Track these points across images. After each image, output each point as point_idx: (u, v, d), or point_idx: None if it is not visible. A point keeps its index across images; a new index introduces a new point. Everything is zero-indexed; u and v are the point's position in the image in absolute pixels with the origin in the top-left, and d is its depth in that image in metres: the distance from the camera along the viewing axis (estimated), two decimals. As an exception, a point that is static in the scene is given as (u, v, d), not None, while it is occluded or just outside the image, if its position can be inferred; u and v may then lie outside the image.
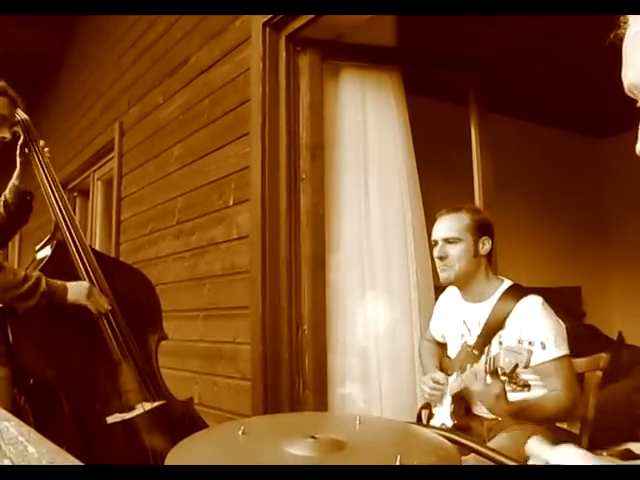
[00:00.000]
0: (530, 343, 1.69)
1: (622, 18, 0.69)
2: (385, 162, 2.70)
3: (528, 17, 2.87)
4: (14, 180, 2.20)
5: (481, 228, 1.98)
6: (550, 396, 1.78)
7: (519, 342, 1.64)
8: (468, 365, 1.76)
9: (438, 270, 2.02)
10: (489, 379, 1.61)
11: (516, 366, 1.53)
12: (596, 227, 5.70)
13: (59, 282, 1.96)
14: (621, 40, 0.70)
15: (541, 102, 4.92)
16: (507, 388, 1.67)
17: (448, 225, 1.98)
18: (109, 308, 2.03)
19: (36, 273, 1.92)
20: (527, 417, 1.73)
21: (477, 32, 3.44)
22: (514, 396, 1.77)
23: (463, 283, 1.99)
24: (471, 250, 1.95)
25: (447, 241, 1.96)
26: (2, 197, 2.22)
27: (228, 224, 2.81)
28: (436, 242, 1.99)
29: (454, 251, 1.94)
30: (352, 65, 2.70)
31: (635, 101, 0.70)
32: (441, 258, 1.97)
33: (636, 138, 0.68)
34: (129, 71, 4.09)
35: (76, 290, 1.97)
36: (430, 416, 2.07)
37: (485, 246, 1.97)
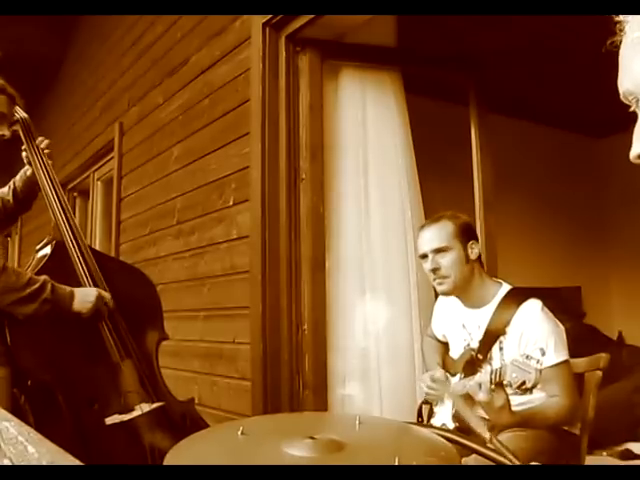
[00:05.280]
0: (538, 362, 1.65)
1: (618, 25, 0.69)
2: (385, 162, 2.70)
3: (528, 17, 2.87)
4: (27, 169, 2.19)
5: (466, 232, 1.96)
6: (550, 403, 1.78)
7: (527, 357, 1.61)
8: (470, 378, 1.76)
9: (433, 284, 1.98)
10: (493, 390, 1.60)
11: (523, 383, 1.52)
12: (596, 227, 5.70)
13: (67, 289, 1.90)
14: (617, 47, 0.70)
15: (541, 102, 4.92)
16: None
17: (434, 235, 1.94)
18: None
19: (42, 277, 1.87)
20: (530, 426, 1.73)
21: (477, 32, 3.44)
22: (513, 399, 1.77)
23: (461, 292, 1.97)
24: (462, 257, 1.92)
25: (437, 251, 1.92)
26: (11, 184, 2.22)
27: (228, 224, 2.81)
28: (425, 255, 1.95)
29: (446, 260, 1.91)
30: (352, 65, 2.70)
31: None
32: (434, 270, 1.92)
33: (631, 143, 0.68)
34: (129, 71, 4.09)
35: (82, 299, 1.92)
36: (431, 412, 2.07)
37: (474, 250, 1.95)
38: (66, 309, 1.88)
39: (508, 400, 1.61)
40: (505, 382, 1.57)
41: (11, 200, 2.20)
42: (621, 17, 0.68)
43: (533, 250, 5.22)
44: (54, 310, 1.85)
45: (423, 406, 2.09)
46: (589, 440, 1.91)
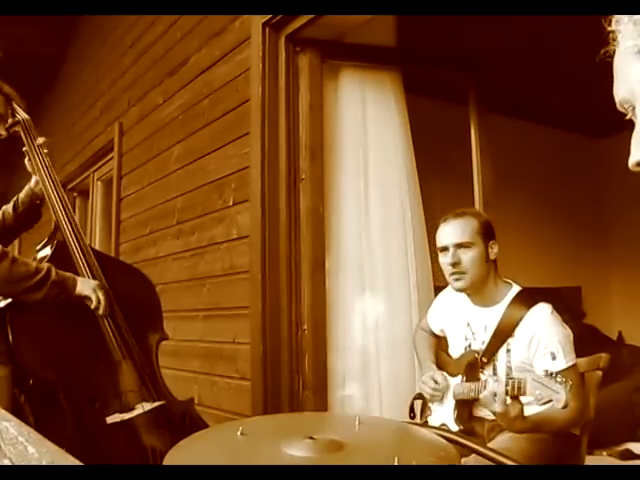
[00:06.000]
0: (566, 383, 1.53)
1: (611, 35, 0.69)
2: (385, 162, 2.70)
3: (528, 17, 2.87)
4: (31, 184, 2.21)
5: (488, 231, 1.94)
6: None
7: (551, 376, 1.53)
8: (481, 385, 1.76)
9: (449, 278, 1.94)
10: (509, 400, 1.57)
11: (549, 400, 1.50)
12: (596, 227, 5.70)
13: (70, 274, 1.98)
14: (611, 57, 0.70)
15: (541, 102, 4.92)
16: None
17: (459, 229, 1.91)
18: (106, 314, 2.02)
19: (46, 264, 1.94)
20: (541, 431, 1.73)
21: (477, 32, 3.44)
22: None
23: (475, 290, 1.94)
24: (483, 255, 1.89)
25: (459, 246, 1.89)
26: (15, 198, 2.24)
27: (228, 224, 2.81)
28: (446, 248, 1.91)
29: (467, 256, 1.88)
30: (352, 65, 2.70)
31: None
32: (454, 264, 1.88)
33: (629, 151, 0.69)
34: (129, 71, 4.09)
35: (83, 284, 1.98)
36: (424, 408, 2.07)
37: (494, 250, 1.92)
38: (70, 292, 1.95)
39: (522, 409, 1.58)
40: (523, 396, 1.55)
41: (11, 212, 2.22)
42: (613, 26, 0.69)
43: (533, 250, 5.21)
44: (61, 293, 1.93)
45: (415, 401, 2.08)
46: (589, 440, 1.91)
